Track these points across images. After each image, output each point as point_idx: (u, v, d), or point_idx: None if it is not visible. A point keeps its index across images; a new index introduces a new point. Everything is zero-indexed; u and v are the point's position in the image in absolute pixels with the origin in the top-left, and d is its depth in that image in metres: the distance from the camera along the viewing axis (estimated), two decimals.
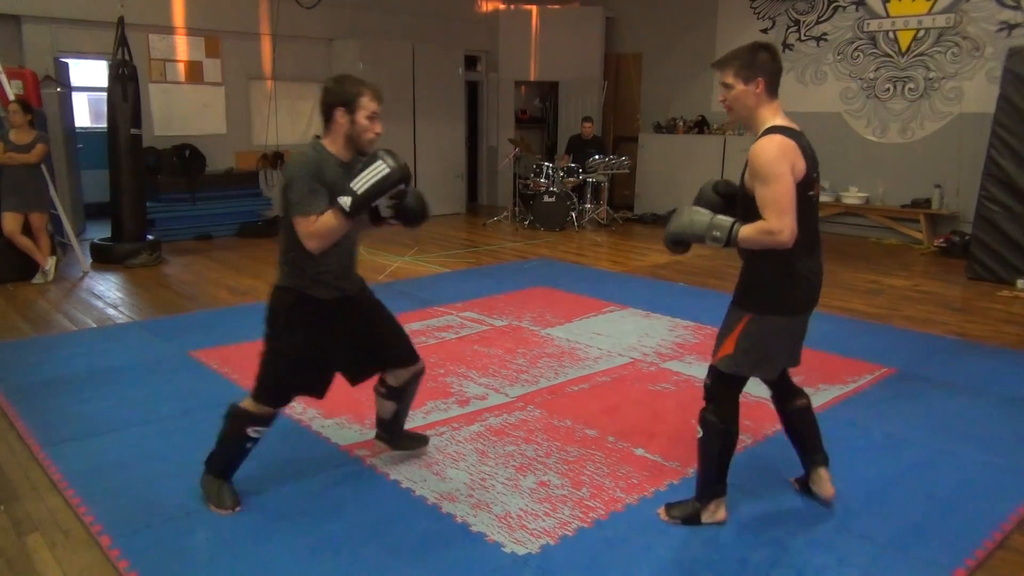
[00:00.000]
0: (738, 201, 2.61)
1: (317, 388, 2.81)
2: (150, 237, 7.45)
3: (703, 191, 2.77)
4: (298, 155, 2.63)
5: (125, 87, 7.13)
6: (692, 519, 2.67)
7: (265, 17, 9.19)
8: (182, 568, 2.39)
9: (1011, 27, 7.79)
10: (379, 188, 2.45)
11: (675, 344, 4.78)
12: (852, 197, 8.96)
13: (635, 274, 6.96)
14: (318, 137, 2.68)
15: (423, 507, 2.77)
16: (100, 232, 7.91)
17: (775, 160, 2.40)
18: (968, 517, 2.75)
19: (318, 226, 2.49)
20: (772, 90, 2.54)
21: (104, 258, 7.12)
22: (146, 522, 2.64)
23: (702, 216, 2.51)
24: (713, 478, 2.66)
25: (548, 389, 3.98)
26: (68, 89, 8.46)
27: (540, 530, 2.62)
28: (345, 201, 2.44)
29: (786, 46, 9.56)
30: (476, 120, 11.60)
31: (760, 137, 2.50)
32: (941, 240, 8.06)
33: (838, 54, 9.11)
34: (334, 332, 2.73)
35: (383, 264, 7.19)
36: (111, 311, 5.51)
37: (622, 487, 2.93)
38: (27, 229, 6.23)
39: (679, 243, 2.58)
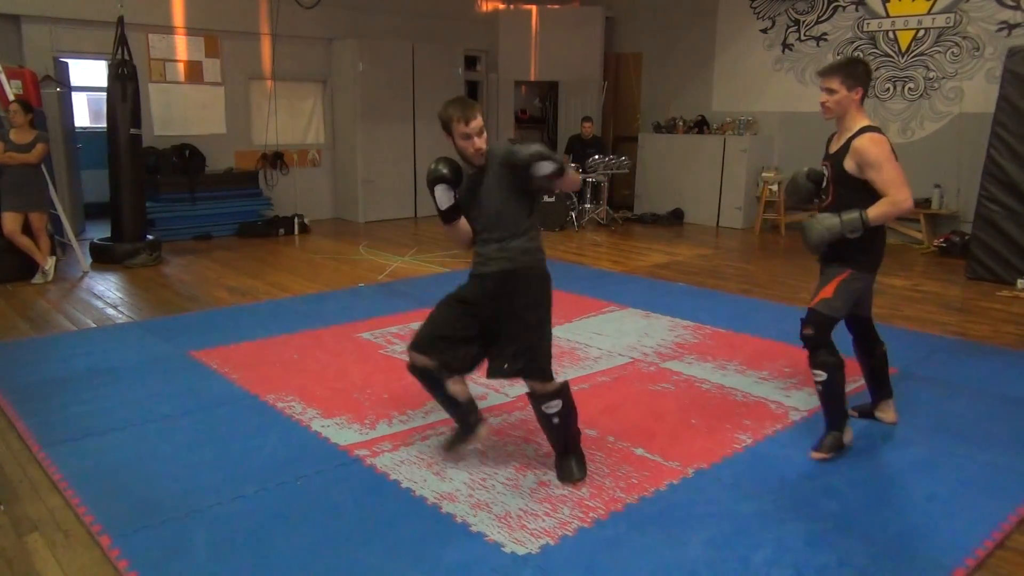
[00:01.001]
0: (834, 184, 3.18)
1: None
2: (150, 237, 7.46)
3: (797, 180, 3.35)
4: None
5: (125, 87, 7.13)
6: (839, 445, 3.19)
7: (265, 17, 9.19)
8: (182, 568, 2.39)
9: (1011, 27, 7.79)
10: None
11: (675, 344, 4.78)
12: None
13: (635, 274, 6.96)
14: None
15: (423, 507, 2.77)
16: (100, 232, 7.92)
17: (886, 150, 3.00)
18: (968, 517, 2.74)
19: None
20: (863, 97, 3.11)
21: (104, 258, 7.12)
22: (146, 522, 2.64)
23: (831, 220, 3.06)
24: (842, 406, 3.20)
25: None
26: (68, 89, 8.46)
27: (540, 530, 2.62)
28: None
29: (786, 46, 9.57)
30: None
31: (861, 134, 3.05)
32: (941, 240, 8.05)
33: (838, 54, 9.11)
34: None
35: (383, 264, 7.20)
36: (111, 311, 5.51)
37: (622, 487, 2.93)
38: (27, 229, 6.23)
39: (820, 247, 3.15)
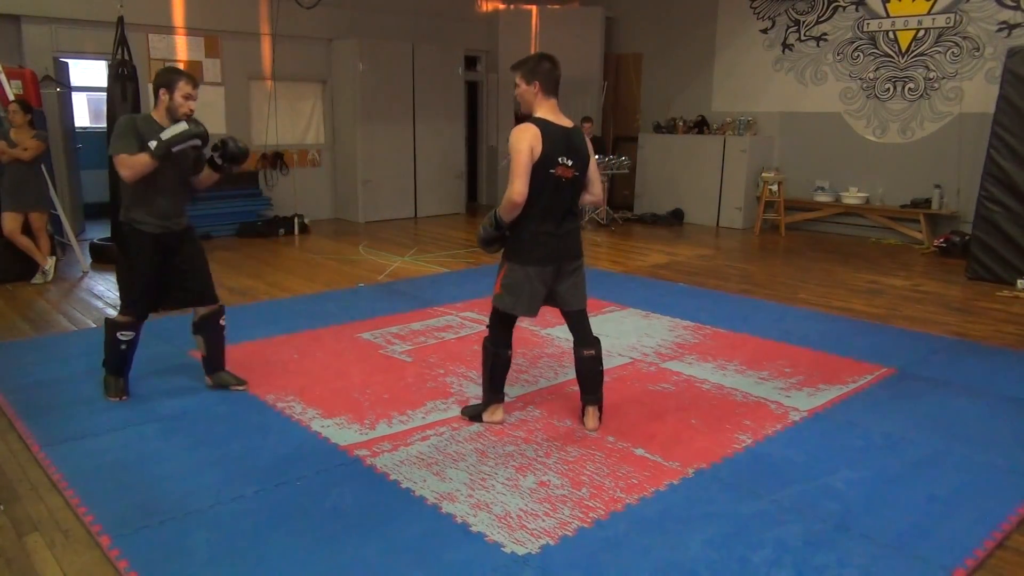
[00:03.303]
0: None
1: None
2: None
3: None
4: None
5: (125, 87, 7.11)
6: (476, 415, 3.52)
7: (265, 17, 9.19)
8: (182, 568, 2.39)
9: (1011, 27, 7.79)
10: (179, 139, 3.38)
11: (675, 344, 4.78)
12: (852, 197, 8.96)
13: (635, 274, 6.96)
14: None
15: (423, 507, 2.77)
16: (100, 232, 7.92)
17: (518, 140, 3.13)
18: (968, 517, 2.75)
19: (131, 161, 3.42)
20: (547, 92, 3.22)
21: (104, 258, 7.11)
22: (146, 522, 2.64)
23: (484, 222, 3.32)
24: (487, 387, 3.48)
25: (548, 389, 3.98)
26: (68, 89, 8.46)
27: (540, 530, 2.62)
28: (151, 144, 3.37)
29: (786, 46, 9.57)
30: (476, 120, 11.61)
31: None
32: (941, 240, 8.05)
33: (838, 54, 9.12)
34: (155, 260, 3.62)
35: (383, 264, 7.20)
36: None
37: (622, 487, 2.93)
38: (27, 229, 6.23)
39: (484, 245, 3.36)
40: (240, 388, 3.91)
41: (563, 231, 3.29)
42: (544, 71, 3.20)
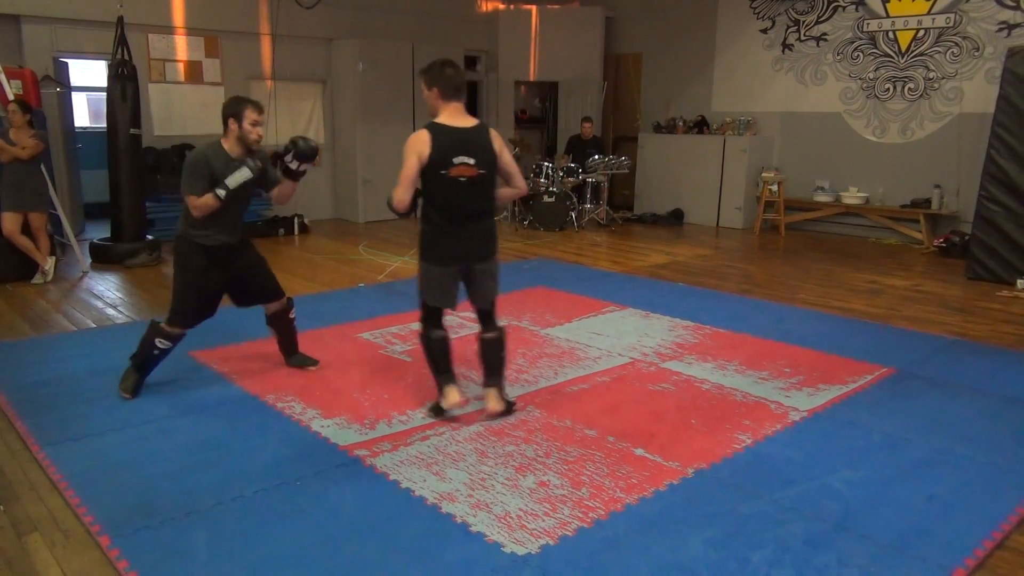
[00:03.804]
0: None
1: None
2: (149, 237, 7.45)
3: None
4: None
5: (125, 87, 7.12)
6: (437, 409, 3.58)
7: (265, 17, 9.19)
8: (182, 568, 2.39)
9: (1011, 27, 7.79)
10: (242, 183, 3.57)
11: (675, 344, 4.78)
12: (852, 197, 8.96)
13: (635, 274, 6.96)
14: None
15: (423, 507, 2.77)
16: (100, 232, 7.91)
17: (407, 148, 3.24)
18: (968, 517, 2.75)
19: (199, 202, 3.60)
20: (446, 96, 3.32)
21: (103, 258, 7.11)
22: (146, 522, 2.64)
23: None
24: (433, 372, 3.57)
25: (548, 389, 3.98)
26: (68, 89, 8.45)
27: (540, 530, 2.62)
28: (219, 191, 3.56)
29: (786, 46, 9.57)
30: None
31: None
32: (941, 240, 8.06)
33: (838, 54, 9.12)
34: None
35: (383, 264, 7.20)
36: (111, 311, 5.51)
37: (622, 487, 2.93)
38: (26, 229, 6.23)
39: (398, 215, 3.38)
40: (313, 368, 4.19)
41: (468, 232, 3.37)
42: (444, 77, 3.31)
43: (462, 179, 3.28)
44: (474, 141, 3.32)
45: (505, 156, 3.42)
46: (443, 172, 3.24)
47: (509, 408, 3.60)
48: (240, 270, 3.86)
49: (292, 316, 4.15)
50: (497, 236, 3.52)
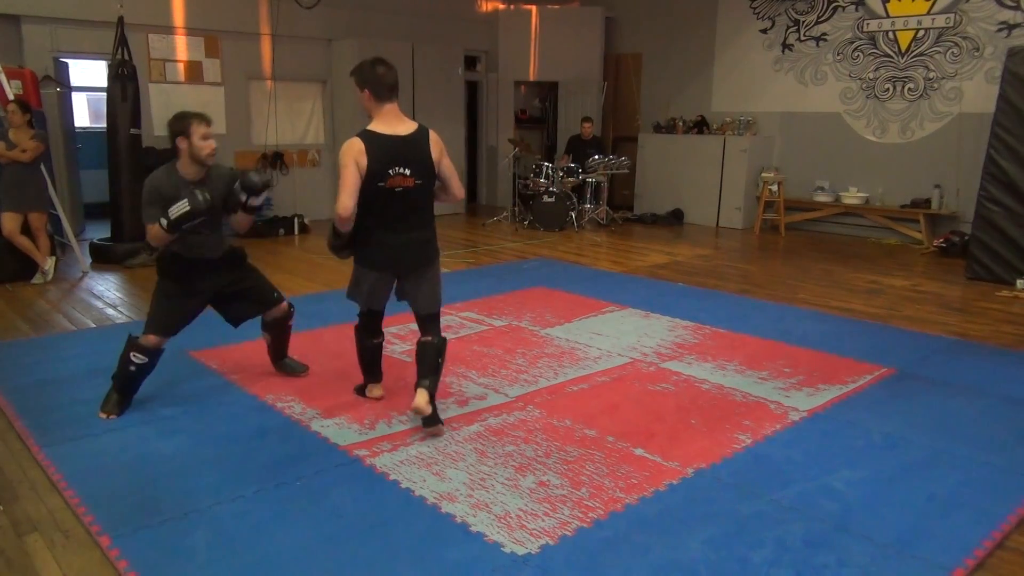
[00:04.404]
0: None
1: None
2: None
3: None
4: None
5: (125, 87, 7.13)
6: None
7: (265, 17, 9.19)
8: (182, 568, 2.39)
9: (1011, 27, 7.79)
10: (184, 219, 3.33)
11: (674, 344, 4.78)
12: (852, 197, 8.96)
13: (635, 274, 6.96)
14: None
15: (423, 507, 2.77)
16: (99, 232, 7.91)
17: (343, 155, 3.15)
18: (968, 517, 2.75)
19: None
20: (379, 97, 3.20)
21: (103, 258, 7.11)
22: (146, 522, 2.63)
23: (328, 230, 3.51)
24: (362, 370, 3.73)
25: (547, 389, 3.98)
26: (68, 89, 8.46)
27: (540, 530, 2.62)
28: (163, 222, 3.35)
29: (786, 46, 9.57)
30: (476, 120, 11.60)
31: None
32: (940, 240, 8.06)
33: (838, 54, 9.12)
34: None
35: None
36: (110, 311, 5.51)
37: (622, 487, 2.93)
38: (26, 229, 6.23)
39: (337, 251, 3.43)
40: (303, 374, 4.13)
41: (403, 241, 3.30)
42: (375, 76, 3.16)
43: (398, 189, 3.19)
44: (411, 150, 3.20)
45: (444, 163, 3.31)
46: (380, 184, 3.16)
47: (437, 418, 3.35)
48: (227, 286, 3.73)
49: (290, 324, 4.04)
50: (436, 243, 3.43)
